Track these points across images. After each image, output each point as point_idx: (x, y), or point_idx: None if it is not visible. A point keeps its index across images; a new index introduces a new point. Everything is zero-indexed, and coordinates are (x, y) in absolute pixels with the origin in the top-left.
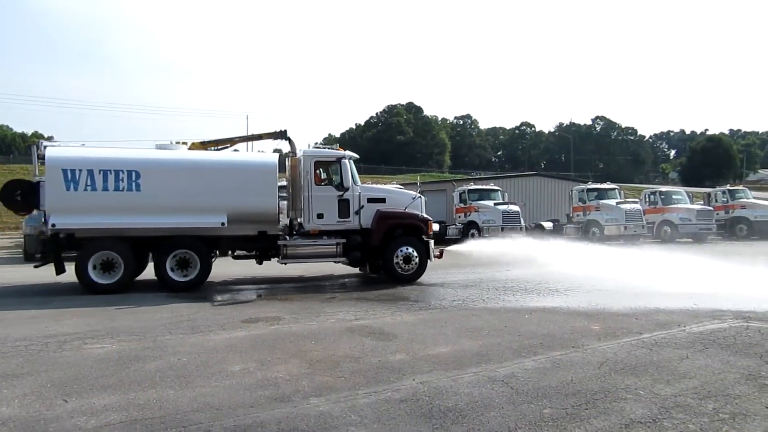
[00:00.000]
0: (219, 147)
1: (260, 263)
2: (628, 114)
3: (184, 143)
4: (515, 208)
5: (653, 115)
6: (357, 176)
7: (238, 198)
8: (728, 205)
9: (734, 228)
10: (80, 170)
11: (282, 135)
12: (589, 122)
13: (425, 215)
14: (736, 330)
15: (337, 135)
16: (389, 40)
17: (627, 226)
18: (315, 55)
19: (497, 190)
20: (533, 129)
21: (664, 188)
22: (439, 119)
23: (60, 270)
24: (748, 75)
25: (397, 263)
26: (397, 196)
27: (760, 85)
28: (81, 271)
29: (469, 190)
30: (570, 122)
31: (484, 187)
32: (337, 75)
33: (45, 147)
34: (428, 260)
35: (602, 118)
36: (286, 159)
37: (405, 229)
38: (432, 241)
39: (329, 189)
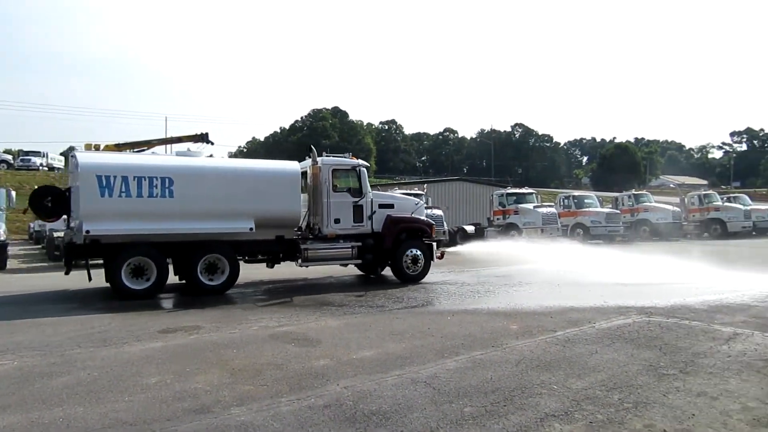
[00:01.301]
0: (136, 149)
1: (271, 267)
2: (545, 122)
3: (97, 146)
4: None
5: (567, 124)
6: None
7: (264, 203)
8: (633, 208)
9: (638, 229)
10: (114, 177)
11: (203, 138)
12: (509, 129)
13: (429, 220)
14: (639, 325)
15: (262, 139)
16: (315, 43)
17: (543, 229)
18: (238, 56)
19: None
20: (456, 135)
21: (577, 193)
22: (365, 124)
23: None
24: (652, 87)
25: (406, 264)
26: (403, 202)
27: (662, 96)
28: (115, 277)
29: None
30: (491, 129)
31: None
32: (261, 77)
33: (73, 154)
34: (432, 261)
35: (521, 125)
36: (308, 167)
37: (411, 232)
38: (435, 244)
39: (345, 195)
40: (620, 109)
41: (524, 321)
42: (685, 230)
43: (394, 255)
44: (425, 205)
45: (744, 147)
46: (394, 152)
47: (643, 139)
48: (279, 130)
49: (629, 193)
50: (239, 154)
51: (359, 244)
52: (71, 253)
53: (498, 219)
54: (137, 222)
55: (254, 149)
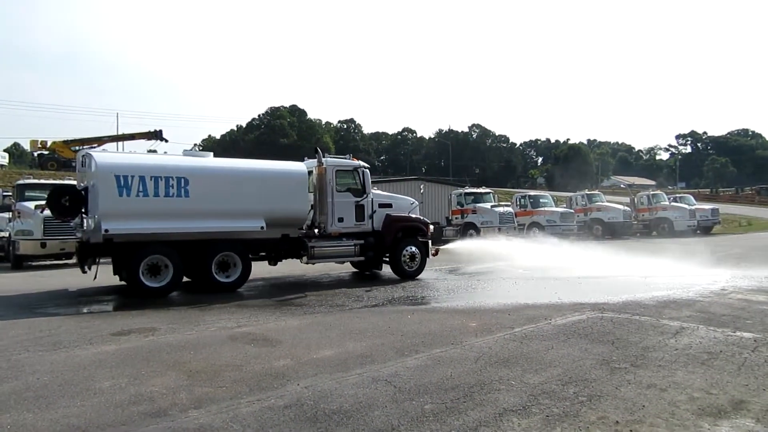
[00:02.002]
0: (85, 146)
1: (274, 264)
2: (501, 123)
3: (43, 142)
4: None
5: (523, 125)
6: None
7: (274, 203)
8: (586, 207)
9: (591, 228)
10: (132, 176)
11: (157, 135)
12: (467, 129)
13: (425, 219)
14: (592, 321)
15: (218, 137)
16: (272, 40)
17: (501, 228)
18: (193, 52)
19: None
20: (414, 135)
21: (532, 192)
22: (323, 123)
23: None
24: (604, 90)
25: (404, 261)
26: (401, 202)
27: (613, 100)
28: (133, 275)
29: None
30: (449, 129)
31: None
32: (217, 75)
33: (87, 153)
34: (427, 258)
35: (478, 126)
36: (314, 168)
37: (409, 231)
38: (430, 242)
39: (347, 195)
40: (574, 111)
41: (483, 318)
42: (635, 229)
43: (393, 252)
44: None
45: (689, 149)
46: (353, 151)
47: (595, 140)
48: (236, 128)
49: (582, 193)
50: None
51: (361, 242)
52: (86, 252)
53: (456, 218)
54: (154, 221)
55: (210, 148)
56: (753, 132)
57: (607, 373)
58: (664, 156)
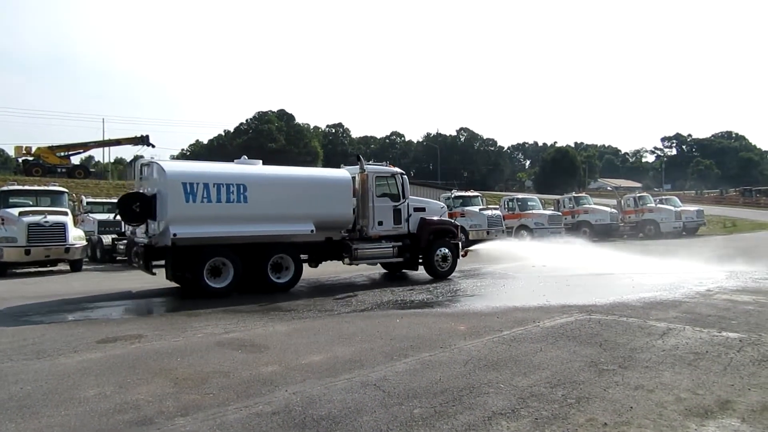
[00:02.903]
0: (71, 152)
1: (315, 266)
2: (489, 126)
3: (28, 148)
4: None
5: (511, 128)
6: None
7: (322, 208)
8: (574, 210)
9: (579, 230)
10: (197, 184)
11: (144, 140)
12: (454, 133)
13: (455, 222)
14: (580, 323)
15: (205, 141)
16: (260, 44)
17: (489, 231)
18: (180, 57)
19: None
20: (403, 138)
21: (520, 195)
22: (312, 127)
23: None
24: (591, 93)
25: (437, 262)
26: (433, 206)
27: (600, 103)
28: (198, 277)
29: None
30: (437, 132)
31: None
32: (204, 79)
33: (152, 162)
34: (458, 258)
35: (466, 129)
36: (356, 174)
37: (440, 233)
38: (460, 243)
39: (386, 200)
40: (561, 114)
41: (472, 322)
42: (622, 231)
43: (426, 254)
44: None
45: (674, 152)
46: (341, 155)
47: (582, 143)
48: (223, 133)
49: (570, 196)
50: (182, 157)
51: (399, 244)
52: (152, 256)
53: None
54: (216, 225)
55: (198, 152)
56: (736, 134)
57: (596, 375)
58: (650, 158)
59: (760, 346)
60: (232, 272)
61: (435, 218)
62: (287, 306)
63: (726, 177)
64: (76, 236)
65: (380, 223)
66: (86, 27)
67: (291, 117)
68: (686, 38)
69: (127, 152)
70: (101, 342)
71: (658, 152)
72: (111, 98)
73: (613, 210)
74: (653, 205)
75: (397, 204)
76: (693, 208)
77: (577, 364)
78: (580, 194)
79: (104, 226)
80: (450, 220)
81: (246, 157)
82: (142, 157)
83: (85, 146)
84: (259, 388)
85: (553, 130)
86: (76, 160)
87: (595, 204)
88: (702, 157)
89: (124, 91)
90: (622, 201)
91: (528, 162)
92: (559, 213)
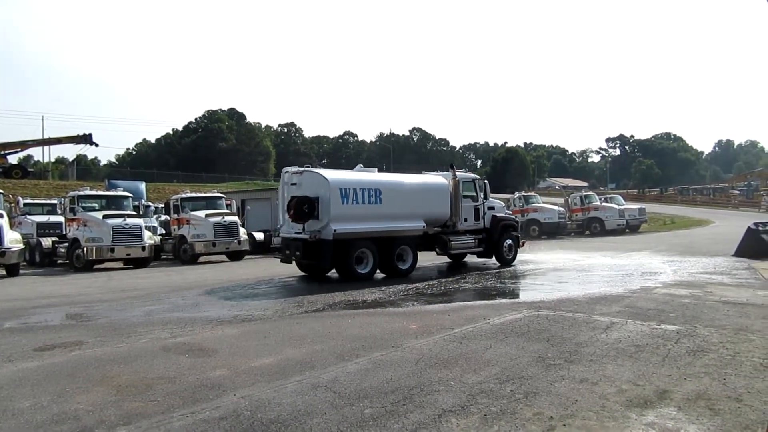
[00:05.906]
0: (7, 151)
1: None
2: (441, 126)
3: None
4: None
5: (462, 128)
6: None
7: (430, 207)
8: (524, 209)
9: (528, 229)
10: (349, 189)
11: (86, 139)
12: (407, 133)
13: (515, 217)
14: (529, 319)
15: (152, 140)
16: (208, 41)
17: None
18: (125, 52)
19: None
20: (356, 138)
21: None
22: (263, 126)
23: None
24: (538, 95)
25: (505, 251)
26: (499, 205)
27: (547, 104)
28: (349, 265)
29: (182, 199)
30: (390, 132)
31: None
32: (152, 77)
33: (312, 171)
34: (518, 248)
35: (419, 129)
36: (449, 179)
37: (506, 227)
38: (520, 235)
39: (468, 200)
40: (511, 115)
41: (423, 320)
42: (570, 229)
43: (497, 245)
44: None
45: (618, 152)
46: (294, 155)
47: (531, 144)
48: (171, 132)
49: (519, 195)
50: (128, 156)
51: (479, 236)
52: (313, 249)
53: None
54: (361, 223)
55: (144, 152)
56: (675, 135)
57: (543, 370)
58: (596, 158)
59: (695, 337)
60: (371, 260)
61: (502, 215)
62: (238, 308)
63: (666, 176)
64: (12, 239)
65: (466, 219)
66: (31, 22)
67: (242, 116)
68: (629, 43)
69: (69, 151)
70: (38, 350)
71: (603, 152)
72: (54, 96)
73: (560, 209)
74: (598, 203)
75: (477, 203)
76: (635, 206)
77: (525, 359)
78: (529, 193)
79: (43, 229)
80: (512, 216)
81: (362, 166)
82: (85, 156)
83: (23, 145)
84: (206, 393)
85: (504, 130)
86: (13, 159)
87: (543, 203)
88: (644, 157)
89: (66, 89)
90: (569, 200)
91: (479, 162)
92: (510, 212)
